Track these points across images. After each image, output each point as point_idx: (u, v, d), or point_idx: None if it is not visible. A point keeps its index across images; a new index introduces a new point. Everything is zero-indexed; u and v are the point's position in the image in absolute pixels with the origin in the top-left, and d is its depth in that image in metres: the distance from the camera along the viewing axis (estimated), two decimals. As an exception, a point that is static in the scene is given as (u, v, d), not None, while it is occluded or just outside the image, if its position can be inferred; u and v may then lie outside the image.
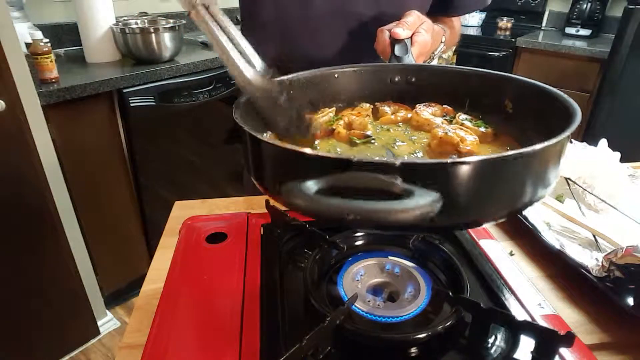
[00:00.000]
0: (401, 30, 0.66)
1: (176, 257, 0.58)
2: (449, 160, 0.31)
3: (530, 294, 0.51)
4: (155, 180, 1.84)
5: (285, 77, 0.57)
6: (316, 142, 0.53)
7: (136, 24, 1.91)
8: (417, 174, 0.31)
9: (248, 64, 0.47)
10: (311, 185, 0.30)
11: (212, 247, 0.59)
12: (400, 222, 0.28)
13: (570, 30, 2.69)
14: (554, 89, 0.47)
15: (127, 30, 1.72)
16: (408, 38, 0.67)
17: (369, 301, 0.48)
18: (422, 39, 0.68)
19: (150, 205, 1.86)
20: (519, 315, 0.45)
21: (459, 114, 0.56)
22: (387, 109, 0.59)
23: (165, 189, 1.89)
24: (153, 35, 1.73)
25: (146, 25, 1.90)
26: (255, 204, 0.79)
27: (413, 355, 0.44)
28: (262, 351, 0.43)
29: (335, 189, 0.31)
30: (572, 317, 0.55)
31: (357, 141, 0.52)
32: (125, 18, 1.93)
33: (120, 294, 1.93)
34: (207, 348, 0.44)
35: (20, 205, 1.38)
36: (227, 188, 2.13)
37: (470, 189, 0.33)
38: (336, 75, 0.61)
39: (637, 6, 2.09)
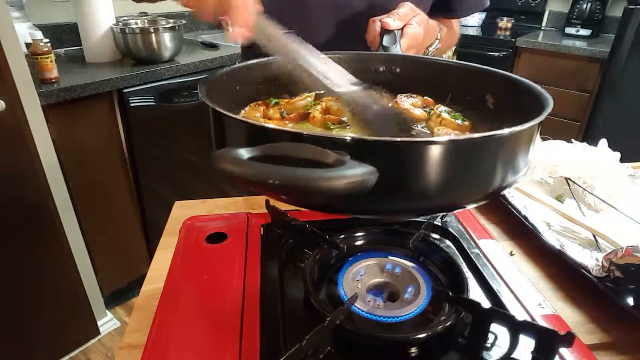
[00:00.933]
0: (391, 20, 0.66)
1: (176, 257, 0.58)
2: (398, 139, 0.32)
3: (530, 294, 0.51)
4: (155, 180, 1.84)
5: (262, 60, 0.57)
6: (289, 125, 0.54)
7: (136, 24, 1.91)
8: (364, 150, 0.31)
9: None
10: (245, 153, 0.30)
11: (212, 247, 0.59)
12: (325, 190, 0.28)
13: (570, 30, 2.69)
14: (527, 81, 0.48)
15: (127, 30, 1.72)
16: (398, 29, 0.66)
17: (369, 301, 0.48)
18: (412, 31, 0.67)
19: (150, 205, 1.86)
20: (519, 315, 0.45)
21: (438, 105, 0.57)
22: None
23: (165, 189, 1.89)
24: (153, 35, 1.73)
25: (146, 25, 1.90)
26: (255, 204, 0.79)
27: (413, 355, 0.44)
28: (262, 351, 0.43)
29: (270, 158, 0.31)
30: (572, 317, 0.55)
31: (332, 126, 0.52)
32: (125, 18, 1.93)
33: (120, 294, 1.93)
34: (207, 348, 0.44)
35: (20, 206, 1.38)
36: (227, 188, 2.12)
37: (408, 167, 0.33)
38: None
39: (637, 6, 2.09)
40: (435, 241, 0.58)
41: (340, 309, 0.43)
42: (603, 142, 0.83)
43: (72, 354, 1.69)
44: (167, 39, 1.76)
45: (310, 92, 0.60)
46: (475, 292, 0.51)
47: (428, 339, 0.43)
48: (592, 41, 2.56)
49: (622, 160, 0.82)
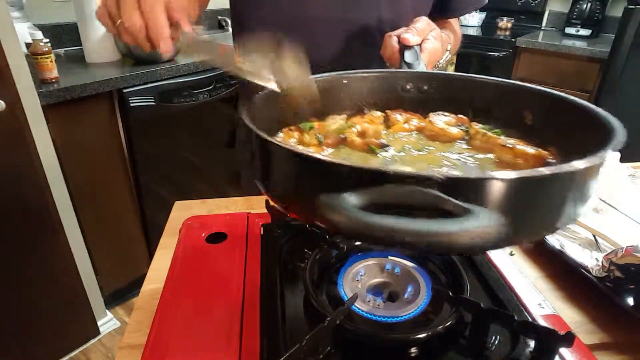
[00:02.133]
0: (411, 36, 0.64)
1: (176, 257, 0.58)
2: (523, 174, 0.28)
3: (530, 294, 0.51)
4: (155, 180, 1.84)
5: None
6: (327, 151, 0.51)
7: (136, 24, 1.90)
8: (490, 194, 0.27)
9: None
10: (353, 200, 0.26)
11: (212, 247, 0.59)
12: (460, 244, 0.25)
13: (570, 30, 2.69)
14: (586, 103, 0.45)
15: (127, 30, 1.72)
16: (418, 45, 0.65)
17: (369, 301, 0.48)
18: (431, 46, 0.66)
19: (150, 205, 1.86)
20: (519, 315, 0.45)
21: (474, 123, 0.54)
22: (398, 117, 0.57)
23: (165, 189, 1.89)
24: (153, 35, 1.73)
25: (146, 25, 1.90)
26: (255, 204, 0.79)
27: (413, 355, 0.44)
28: (262, 351, 0.43)
29: (380, 206, 0.27)
30: (572, 317, 0.55)
31: (377, 150, 0.49)
32: (125, 18, 1.93)
33: (120, 294, 1.93)
34: (207, 348, 0.44)
35: (20, 205, 1.38)
36: (227, 188, 2.12)
37: (537, 206, 0.30)
38: (344, 81, 0.58)
39: (637, 6, 2.09)
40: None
41: (341, 309, 0.43)
42: None
43: (72, 354, 1.69)
44: (167, 39, 1.76)
45: (339, 114, 0.58)
46: (475, 292, 0.51)
47: (428, 339, 0.43)
48: (592, 41, 2.56)
49: (622, 160, 0.82)
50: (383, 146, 0.50)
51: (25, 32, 1.60)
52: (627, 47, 2.15)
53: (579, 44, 2.48)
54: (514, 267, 0.56)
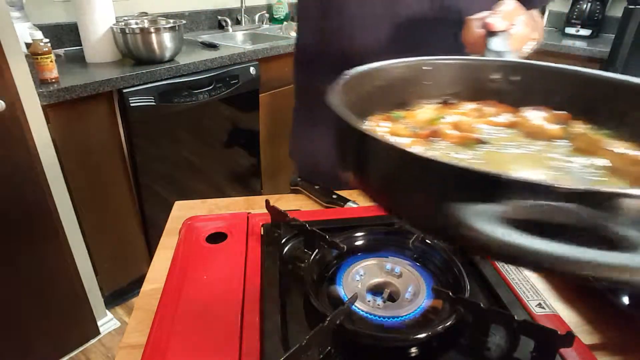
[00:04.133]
0: (498, 20, 0.56)
1: (176, 257, 0.58)
2: None
3: (530, 294, 0.51)
4: (155, 180, 1.84)
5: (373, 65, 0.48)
6: (416, 146, 0.43)
7: (136, 24, 1.91)
8: None
9: None
10: (498, 211, 0.22)
11: (212, 247, 0.59)
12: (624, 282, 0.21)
13: (570, 30, 2.69)
14: None
15: (127, 31, 1.72)
16: (505, 30, 0.57)
17: (369, 301, 0.48)
18: (520, 32, 0.58)
19: (150, 205, 1.86)
20: (519, 315, 0.45)
21: (575, 122, 0.47)
22: (490, 110, 0.51)
23: (165, 189, 1.89)
24: (153, 35, 1.73)
25: (146, 25, 1.90)
26: (255, 204, 0.79)
27: (413, 355, 0.44)
28: (262, 351, 0.43)
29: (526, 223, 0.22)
30: (572, 317, 0.55)
31: (475, 146, 0.43)
32: (125, 18, 1.93)
33: (120, 294, 1.93)
34: (207, 348, 0.44)
35: (20, 205, 1.38)
36: (227, 188, 2.12)
37: None
38: (425, 67, 0.52)
39: (637, 6, 2.09)
40: (436, 241, 0.58)
41: (341, 309, 0.43)
42: None
43: (72, 354, 1.69)
44: (167, 39, 1.76)
45: (420, 104, 0.52)
46: (475, 292, 0.51)
47: (428, 339, 0.43)
48: (592, 41, 2.56)
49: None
50: (481, 142, 0.44)
51: (25, 32, 1.60)
52: (627, 47, 2.14)
53: (579, 44, 2.48)
54: (513, 266, 0.56)
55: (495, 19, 0.57)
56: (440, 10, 0.75)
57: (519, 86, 0.53)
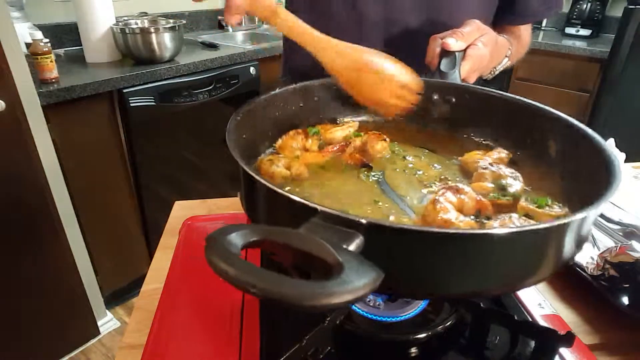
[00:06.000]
0: (453, 41, 0.59)
1: (176, 257, 0.58)
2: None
3: (530, 294, 0.51)
4: (155, 180, 1.84)
5: (301, 84, 0.55)
6: (324, 160, 0.52)
7: (136, 24, 1.91)
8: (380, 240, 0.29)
9: None
10: (240, 239, 0.27)
11: (212, 247, 0.59)
12: (317, 308, 0.24)
13: (570, 30, 2.69)
14: (599, 139, 0.42)
15: (127, 30, 1.72)
16: (460, 51, 0.60)
17: (369, 301, 0.48)
18: (477, 53, 0.60)
19: (150, 205, 1.86)
20: (519, 315, 0.45)
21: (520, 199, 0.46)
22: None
23: (165, 189, 1.89)
24: (153, 35, 1.73)
25: (146, 25, 1.90)
26: (255, 204, 0.79)
27: (413, 355, 0.44)
28: (262, 351, 0.43)
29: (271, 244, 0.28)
30: (572, 317, 0.55)
31: (360, 171, 0.50)
32: (125, 18, 1.93)
33: (120, 294, 1.93)
34: (207, 348, 0.44)
35: (20, 206, 1.38)
36: (227, 188, 2.12)
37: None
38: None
39: (637, 6, 2.09)
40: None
41: (341, 309, 0.43)
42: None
43: (72, 354, 1.69)
44: (167, 39, 1.76)
45: (354, 119, 0.58)
46: (475, 292, 0.51)
47: (428, 339, 0.43)
48: (592, 41, 2.56)
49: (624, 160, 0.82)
50: (364, 166, 0.51)
51: (25, 32, 1.60)
52: (627, 47, 2.15)
53: (579, 44, 2.48)
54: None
55: (451, 39, 0.59)
56: (428, 24, 0.75)
57: (455, 107, 0.58)
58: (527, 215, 0.41)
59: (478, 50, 0.61)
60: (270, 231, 0.28)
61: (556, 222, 0.30)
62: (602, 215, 0.68)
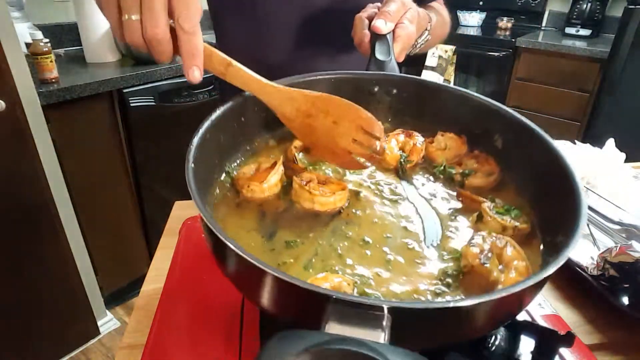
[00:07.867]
0: (382, 23, 0.57)
1: (176, 257, 0.58)
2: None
3: (530, 294, 0.51)
4: (155, 180, 1.84)
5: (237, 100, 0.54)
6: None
7: (136, 24, 1.91)
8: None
9: None
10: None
11: (212, 247, 0.59)
12: None
13: (570, 30, 2.69)
14: (545, 135, 0.45)
15: (127, 30, 1.72)
16: (390, 32, 0.59)
17: (369, 301, 0.48)
18: (405, 33, 0.59)
19: (150, 205, 1.86)
20: (519, 315, 0.45)
21: (489, 204, 0.48)
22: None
23: (165, 189, 1.89)
24: (153, 35, 1.73)
25: (146, 25, 1.90)
26: (255, 204, 0.79)
27: (413, 355, 0.44)
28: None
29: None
30: (572, 317, 0.55)
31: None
32: (125, 18, 1.93)
33: (120, 294, 1.93)
34: (207, 348, 0.44)
35: (20, 205, 1.38)
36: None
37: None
38: (304, 86, 0.54)
39: (637, 6, 2.09)
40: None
41: (340, 309, 0.43)
42: (610, 142, 0.83)
43: (72, 354, 1.69)
44: (167, 39, 1.76)
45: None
46: (475, 292, 0.51)
47: (428, 339, 0.43)
48: (592, 41, 2.56)
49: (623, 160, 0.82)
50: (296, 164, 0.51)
51: (25, 32, 1.60)
52: (627, 47, 2.15)
53: (579, 44, 2.48)
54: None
55: (380, 21, 0.57)
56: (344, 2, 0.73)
57: (396, 98, 0.57)
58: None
59: (406, 28, 0.60)
60: (319, 353, 0.26)
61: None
62: (602, 215, 0.68)
